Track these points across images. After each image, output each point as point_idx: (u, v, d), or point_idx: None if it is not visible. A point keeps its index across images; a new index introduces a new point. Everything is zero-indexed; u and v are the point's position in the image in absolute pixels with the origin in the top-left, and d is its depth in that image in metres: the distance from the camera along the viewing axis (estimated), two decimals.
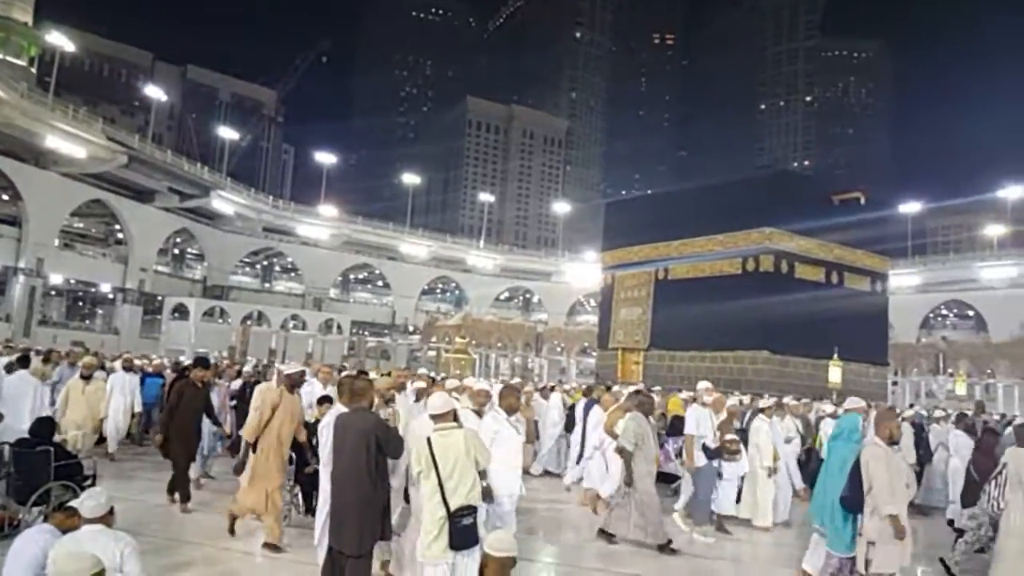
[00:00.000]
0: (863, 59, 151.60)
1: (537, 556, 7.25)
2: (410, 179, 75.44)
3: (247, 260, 67.54)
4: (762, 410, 9.56)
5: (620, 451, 7.39)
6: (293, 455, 7.13)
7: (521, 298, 79.16)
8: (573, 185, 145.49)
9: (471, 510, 4.29)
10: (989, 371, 46.55)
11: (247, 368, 15.54)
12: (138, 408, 11.87)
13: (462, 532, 4.20)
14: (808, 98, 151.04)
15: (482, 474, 4.72)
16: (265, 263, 69.98)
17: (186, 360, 17.28)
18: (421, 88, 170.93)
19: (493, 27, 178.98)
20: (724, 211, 28.32)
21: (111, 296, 54.16)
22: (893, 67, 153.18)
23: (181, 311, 52.29)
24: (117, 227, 53.89)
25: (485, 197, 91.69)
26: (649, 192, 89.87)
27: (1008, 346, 46.86)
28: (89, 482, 6.80)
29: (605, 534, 7.63)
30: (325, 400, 7.73)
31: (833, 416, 10.82)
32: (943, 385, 44.76)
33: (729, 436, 8.58)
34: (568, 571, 7.11)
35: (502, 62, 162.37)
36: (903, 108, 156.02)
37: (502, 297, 76.32)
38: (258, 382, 11.24)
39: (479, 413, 5.87)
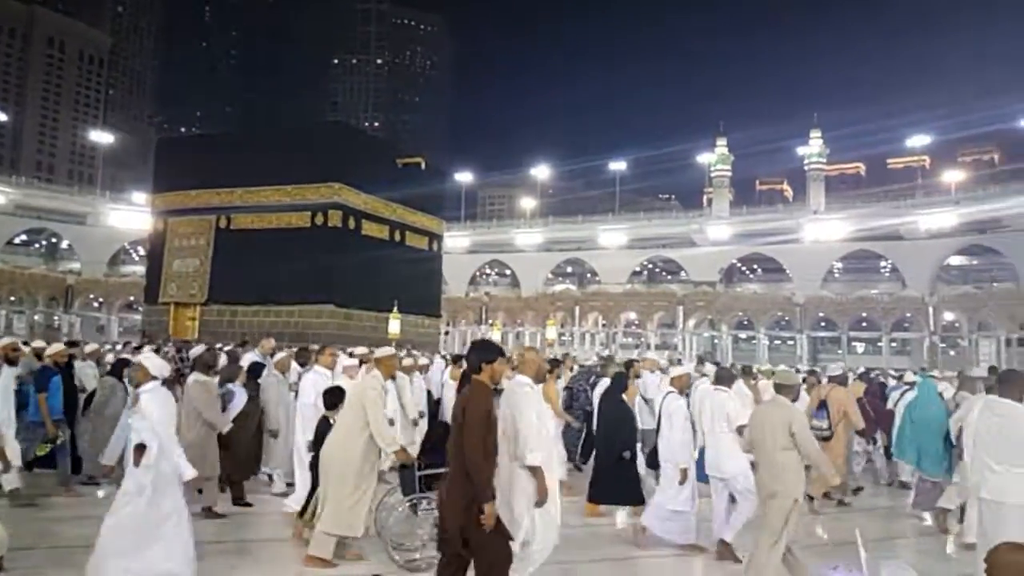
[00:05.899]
0: (429, 32, 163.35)
1: None
2: None
3: None
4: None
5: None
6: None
7: (45, 243, 66.03)
8: (119, 115, 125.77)
9: None
10: (519, 321, 55.45)
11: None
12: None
13: None
14: (379, 61, 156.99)
15: None
16: None
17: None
18: None
19: None
20: (294, 162, 27.49)
21: None
22: (455, 46, 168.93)
23: None
24: None
25: None
26: (212, 133, 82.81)
27: (534, 300, 56.50)
28: None
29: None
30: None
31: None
32: (485, 333, 51.49)
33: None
34: None
35: None
36: (462, 85, 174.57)
37: (17, 241, 62.63)
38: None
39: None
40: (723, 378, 6.64)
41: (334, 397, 6.18)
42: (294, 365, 9.38)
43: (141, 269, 48.25)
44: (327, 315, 26.65)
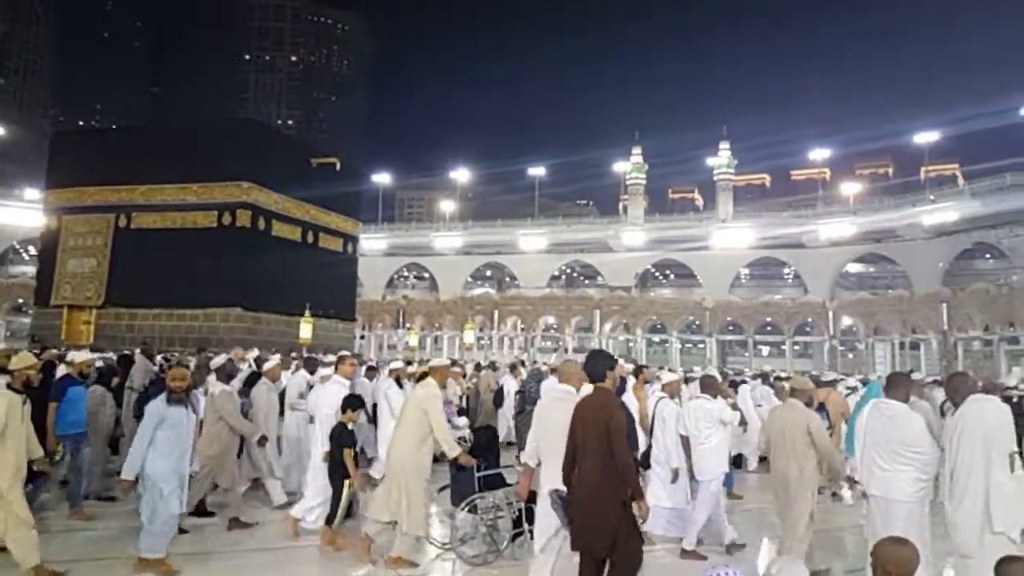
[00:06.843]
0: (345, 31, 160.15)
1: None
2: None
3: None
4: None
5: None
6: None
7: None
8: (10, 105, 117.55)
9: None
10: (437, 324, 54.93)
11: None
12: None
13: None
14: (293, 58, 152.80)
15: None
16: None
17: None
18: None
19: None
20: (201, 159, 26.47)
21: None
22: (373, 47, 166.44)
23: None
24: None
25: None
26: (113, 127, 78.61)
27: (452, 303, 55.97)
28: None
29: None
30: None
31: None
32: (402, 338, 50.79)
33: None
34: None
35: None
36: (380, 86, 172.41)
37: None
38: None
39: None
40: (707, 386, 7.02)
41: (350, 403, 6.49)
42: (302, 372, 9.38)
43: (31, 269, 45.22)
44: (234, 318, 25.65)
